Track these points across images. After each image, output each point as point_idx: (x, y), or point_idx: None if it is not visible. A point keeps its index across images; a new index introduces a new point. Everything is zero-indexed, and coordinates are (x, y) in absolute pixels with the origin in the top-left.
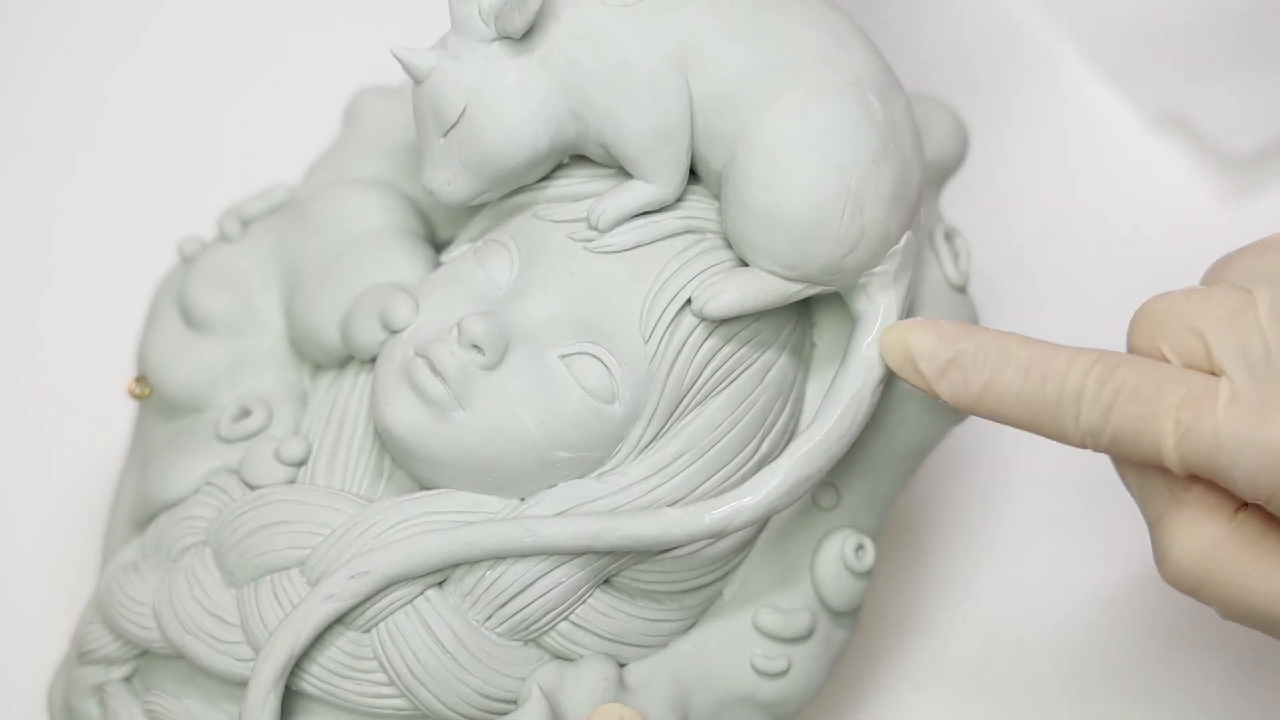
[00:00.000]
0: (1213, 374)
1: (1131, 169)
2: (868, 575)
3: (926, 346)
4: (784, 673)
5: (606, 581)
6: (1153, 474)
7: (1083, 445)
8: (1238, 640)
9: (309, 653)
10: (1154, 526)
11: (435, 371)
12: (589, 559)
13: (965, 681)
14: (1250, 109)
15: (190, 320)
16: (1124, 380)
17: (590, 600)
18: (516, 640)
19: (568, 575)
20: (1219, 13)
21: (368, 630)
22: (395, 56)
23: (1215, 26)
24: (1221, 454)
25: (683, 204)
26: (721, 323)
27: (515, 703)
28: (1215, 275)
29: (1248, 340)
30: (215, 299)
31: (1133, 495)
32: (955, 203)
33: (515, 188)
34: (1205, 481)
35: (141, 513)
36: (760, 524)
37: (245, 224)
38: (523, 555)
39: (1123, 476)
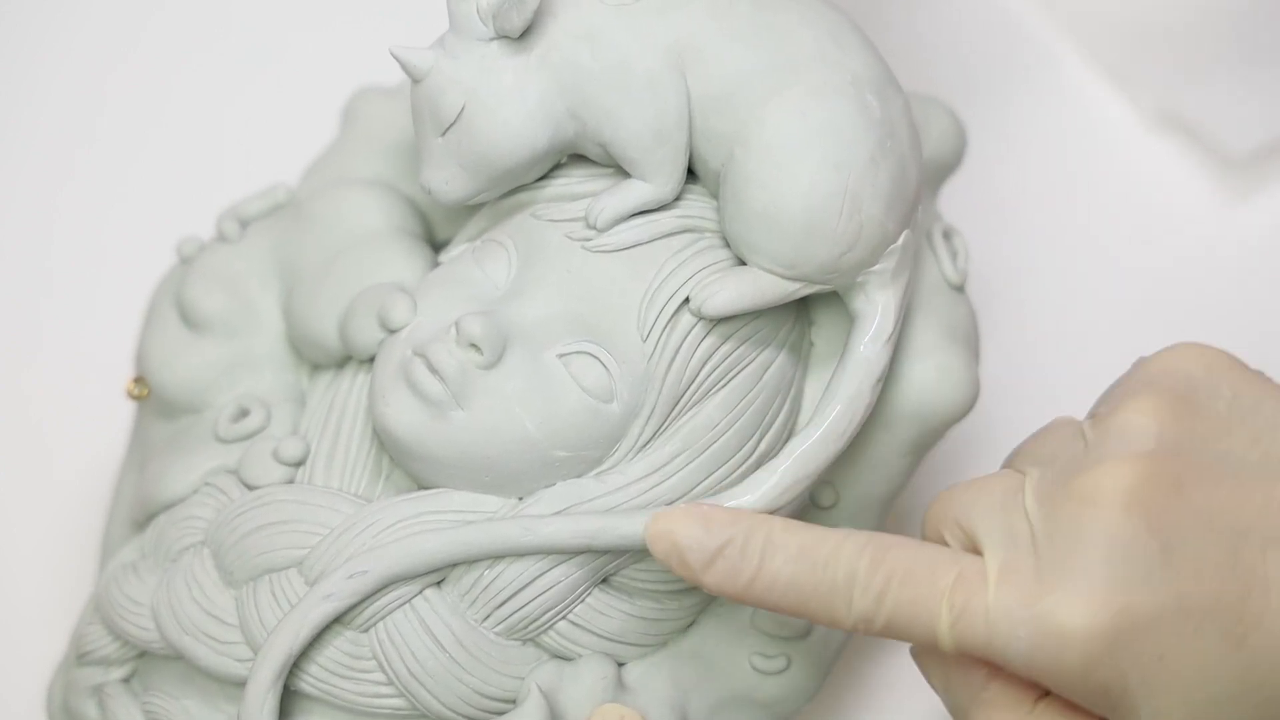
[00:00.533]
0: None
1: (1131, 169)
2: None
3: (693, 538)
4: (782, 671)
5: (605, 580)
6: (956, 676)
7: (855, 630)
8: None
9: (307, 653)
10: None
11: (433, 371)
12: (587, 558)
13: None
14: (1250, 109)
15: (189, 321)
16: (896, 564)
17: (589, 599)
18: (515, 639)
19: (566, 574)
20: (1219, 13)
21: (366, 630)
22: (393, 56)
23: (1215, 26)
24: (995, 635)
25: (681, 203)
26: (719, 321)
27: (514, 702)
28: (1008, 461)
29: (1012, 522)
30: (213, 299)
31: (937, 692)
32: (955, 202)
33: (513, 187)
34: (1004, 675)
35: (140, 513)
36: None
37: (244, 224)
38: (521, 554)
39: (925, 673)
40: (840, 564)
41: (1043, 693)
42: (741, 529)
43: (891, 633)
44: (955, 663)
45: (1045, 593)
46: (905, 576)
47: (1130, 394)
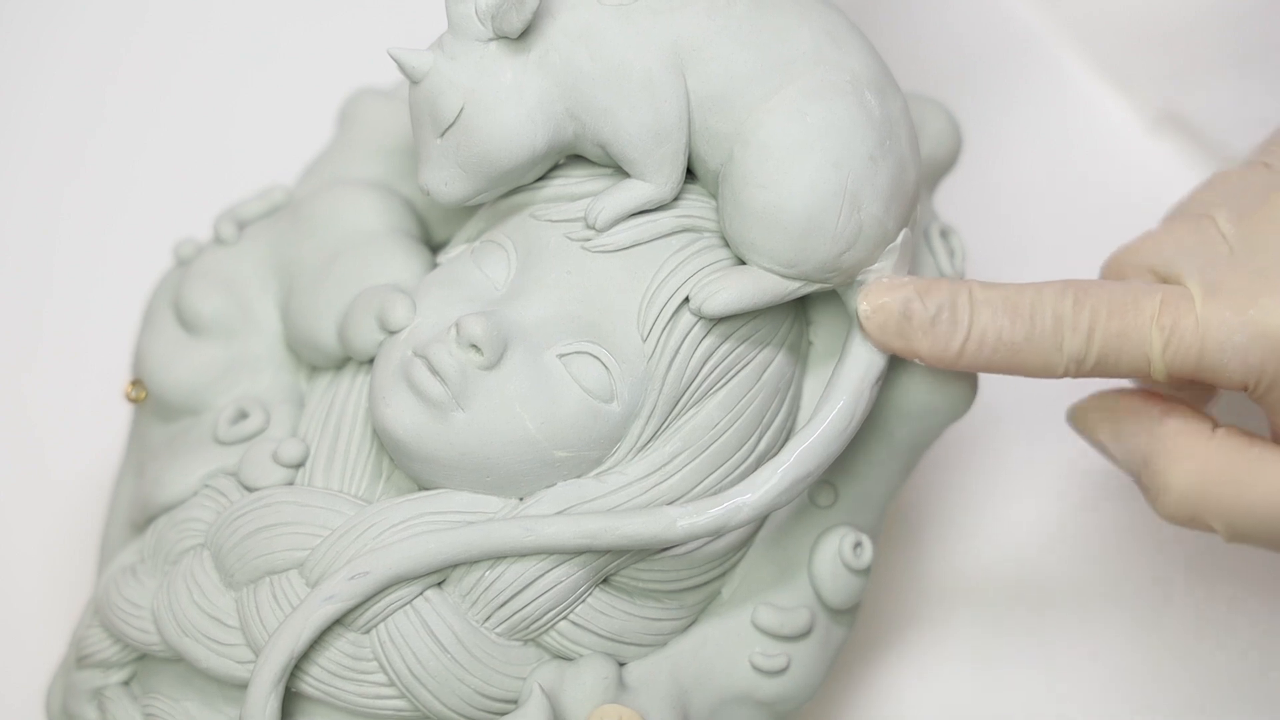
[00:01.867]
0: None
1: (1131, 169)
2: (866, 573)
3: (911, 306)
4: (783, 670)
5: (606, 580)
6: (1128, 422)
7: (1067, 373)
8: (1236, 637)
9: (309, 654)
10: (1142, 471)
11: (434, 372)
12: (588, 558)
13: (964, 679)
14: (1250, 109)
15: (186, 323)
16: (1100, 299)
17: (589, 599)
18: (516, 640)
19: (567, 574)
20: (1219, 13)
21: (367, 631)
22: (392, 57)
23: (1215, 26)
24: (1208, 346)
25: (680, 203)
26: (719, 321)
27: (515, 703)
28: (1177, 213)
29: (1210, 247)
30: (211, 301)
31: (1110, 455)
32: (954, 201)
33: (512, 188)
34: (1180, 408)
35: (139, 516)
36: (758, 522)
37: (241, 226)
38: (522, 555)
39: (1095, 440)
40: (1045, 308)
41: (1216, 422)
42: (947, 292)
43: (1103, 368)
44: (1126, 408)
45: (1257, 296)
46: (1111, 309)
47: None
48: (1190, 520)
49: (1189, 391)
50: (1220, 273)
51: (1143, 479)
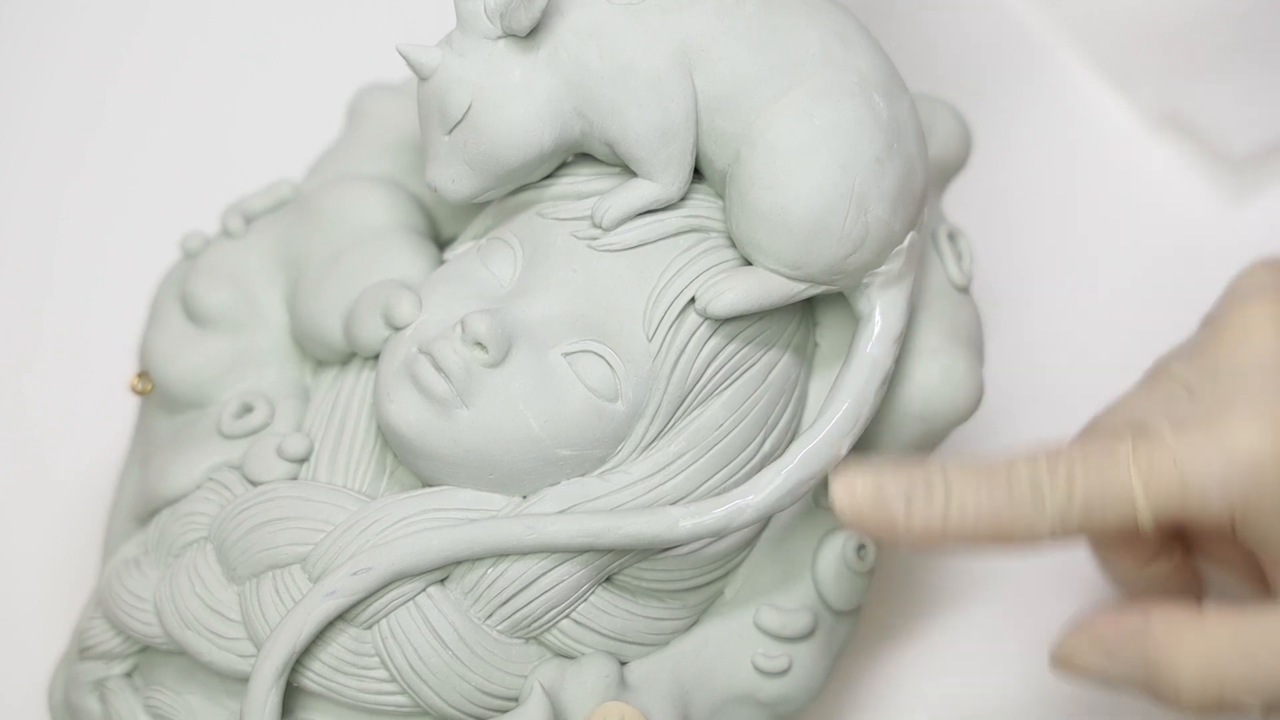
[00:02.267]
0: None
1: (1132, 169)
2: (869, 575)
3: (886, 493)
4: (785, 672)
5: (608, 579)
6: (1115, 639)
7: (1054, 533)
8: None
9: (310, 649)
10: (1149, 680)
11: (439, 369)
12: (591, 557)
13: (967, 682)
14: (1250, 109)
15: (193, 316)
16: (1074, 454)
17: (592, 598)
18: (518, 638)
19: (570, 573)
20: (1219, 13)
21: (369, 627)
22: (401, 53)
23: (1215, 26)
24: (1189, 480)
25: (687, 203)
26: (725, 321)
27: (516, 700)
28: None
29: (1173, 392)
30: (218, 295)
31: (1112, 682)
32: (957, 203)
33: (519, 185)
34: (1163, 604)
35: (143, 508)
36: (762, 523)
37: (248, 220)
38: (525, 553)
39: (1090, 672)
40: (1021, 475)
41: (1202, 606)
42: (920, 475)
43: (1089, 522)
44: (1109, 626)
45: (1225, 421)
46: (1087, 462)
47: (1232, 297)
48: (1219, 705)
49: (1176, 580)
50: (1186, 409)
51: (1154, 687)
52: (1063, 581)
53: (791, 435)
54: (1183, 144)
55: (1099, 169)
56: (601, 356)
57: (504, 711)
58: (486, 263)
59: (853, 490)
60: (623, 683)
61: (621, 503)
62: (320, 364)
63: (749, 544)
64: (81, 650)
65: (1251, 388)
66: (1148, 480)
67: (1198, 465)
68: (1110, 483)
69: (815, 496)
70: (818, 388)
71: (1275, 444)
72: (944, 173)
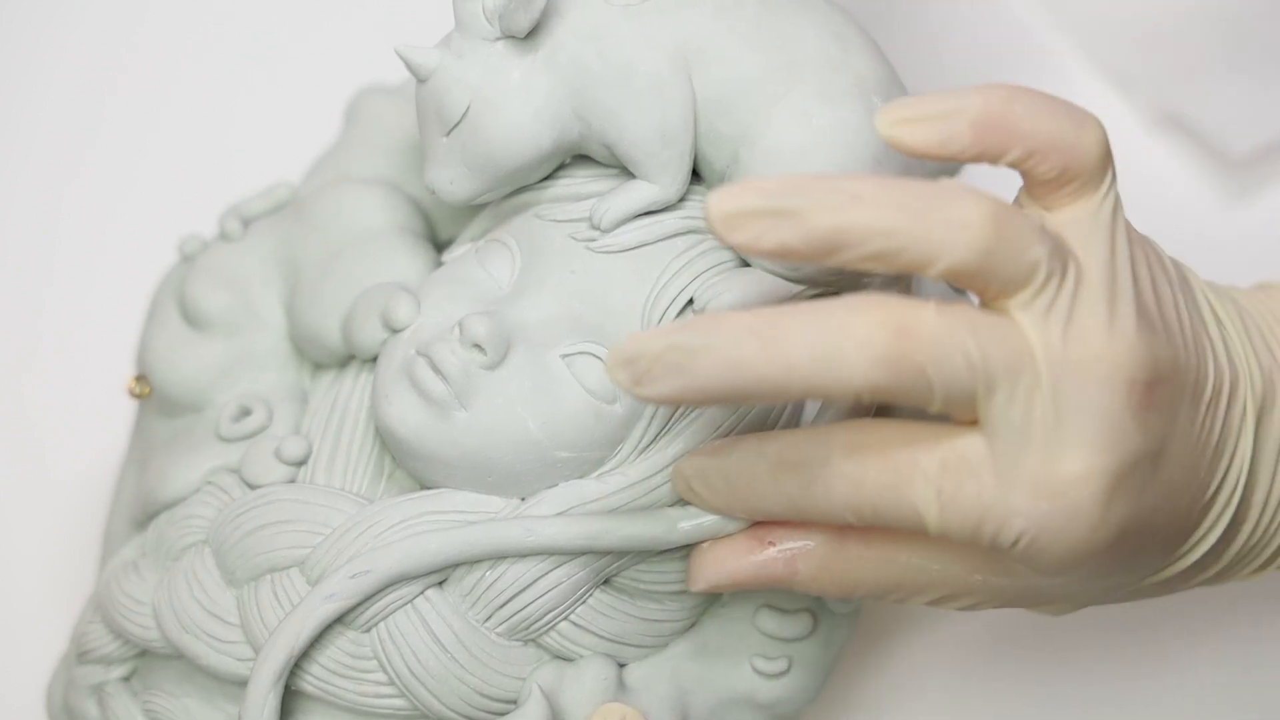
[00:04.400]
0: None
1: (1131, 169)
2: None
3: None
4: (784, 673)
5: (607, 581)
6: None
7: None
8: (1238, 627)
9: (309, 652)
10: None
11: (437, 371)
12: (589, 559)
13: (965, 682)
14: (1250, 109)
15: (190, 319)
16: (870, 461)
17: (590, 600)
18: (516, 640)
19: (568, 575)
20: (1219, 13)
21: (368, 630)
22: (399, 55)
23: (1215, 26)
24: (988, 516)
25: (685, 204)
26: None
27: (515, 703)
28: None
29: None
30: (216, 298)
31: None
32: None
33: (517, 187)
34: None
35: (141, 512)
36: None
37: (246, 223)
38: (523, 555)
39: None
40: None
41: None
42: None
43: (876, 515)
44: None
45: (1052, 453)
46: (881, 465)
47: None
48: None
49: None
50: (1013, 420)
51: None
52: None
53: None
54: (1183, 144)
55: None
56: (599, 358)
57: (503, 714)
58: (484, 264)
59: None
60: (621, 685)
61: (620, 505)
62: (318, 367)
63: None
64: (80, 654)
65: (1083, 401)
66: (945, 505)
67: (1005, 503)
68: (902, 498)
69: None
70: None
71: (1100, 467)
72: (941, 173)
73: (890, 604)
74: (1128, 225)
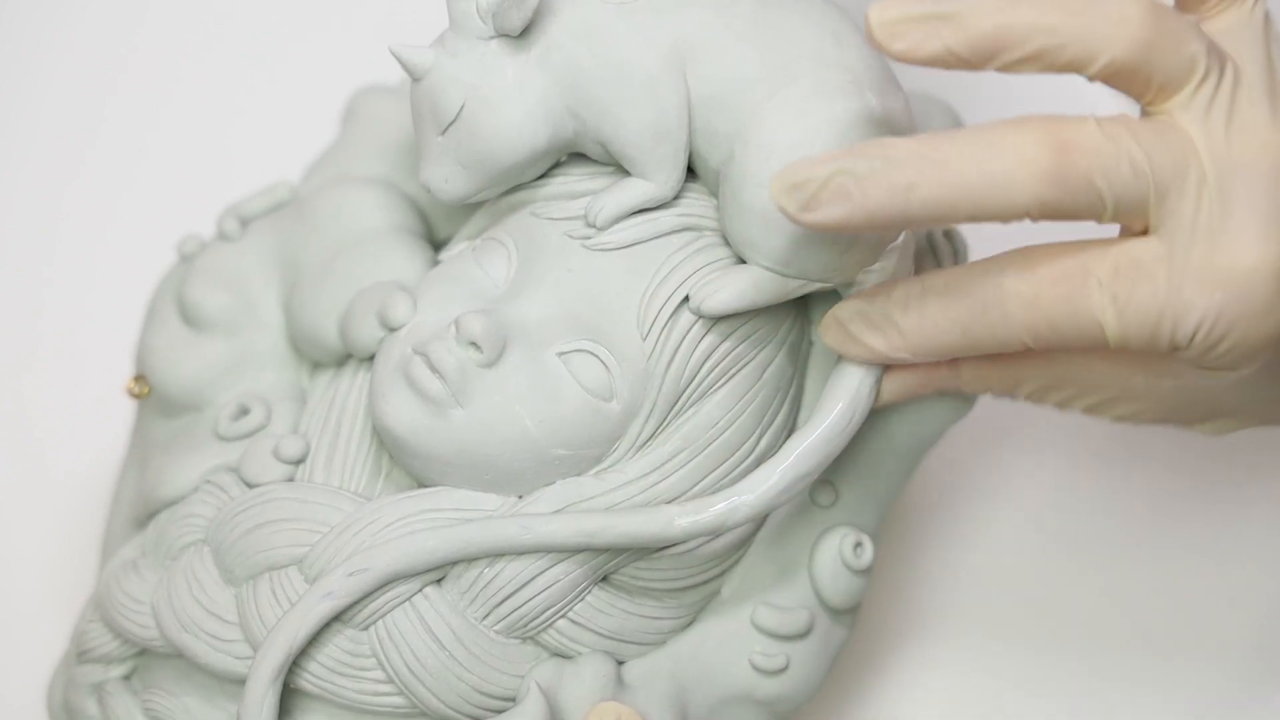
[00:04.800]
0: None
1: None
2: (866, 573)
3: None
4: (783, 670)
5: (605, 579)
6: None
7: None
8: (1240, 630)
9: (307, 650)
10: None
11: (433, 369)
12: (587, 556)
13: (964, 679)
14: None
15: (189, 319)
16: (1044, 276)
17: (588, 598)
18: (515, 638)
19: (566, 573)
20: None
21: (366, 628)
22: (393, 54)
23: None
24: (1166, 312)
25: (680, 201)
26: (719, 320)
27: (514, 700)
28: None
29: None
30: (214, 298)
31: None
32: None
33: (513, 185)
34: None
35: (141, 511)
36: (758, 521)
37: (244, 223)
38: (521, 553)
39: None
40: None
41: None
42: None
43: (1055, 336)
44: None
45: (1219, 242)
46: (1054, 286)
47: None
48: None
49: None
50: (1179, 214)
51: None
52: (1063, 579)
53: (787, 433)
54: None
55: None
56: (596, 356)
57: (501, 712)
58: (481, 263)
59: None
60: (620, 682)
61: (617, 502)
62: (316, 366)
63: (745, 542)
64: (80, 653)
65: (1251, 193)
66: (1123, 310)
67: (1180, 299)
68: (1079, 309)
69: (812, 494)
70: (813, 385)
71: (1272, 256)
72: None
73: (1052, 405)
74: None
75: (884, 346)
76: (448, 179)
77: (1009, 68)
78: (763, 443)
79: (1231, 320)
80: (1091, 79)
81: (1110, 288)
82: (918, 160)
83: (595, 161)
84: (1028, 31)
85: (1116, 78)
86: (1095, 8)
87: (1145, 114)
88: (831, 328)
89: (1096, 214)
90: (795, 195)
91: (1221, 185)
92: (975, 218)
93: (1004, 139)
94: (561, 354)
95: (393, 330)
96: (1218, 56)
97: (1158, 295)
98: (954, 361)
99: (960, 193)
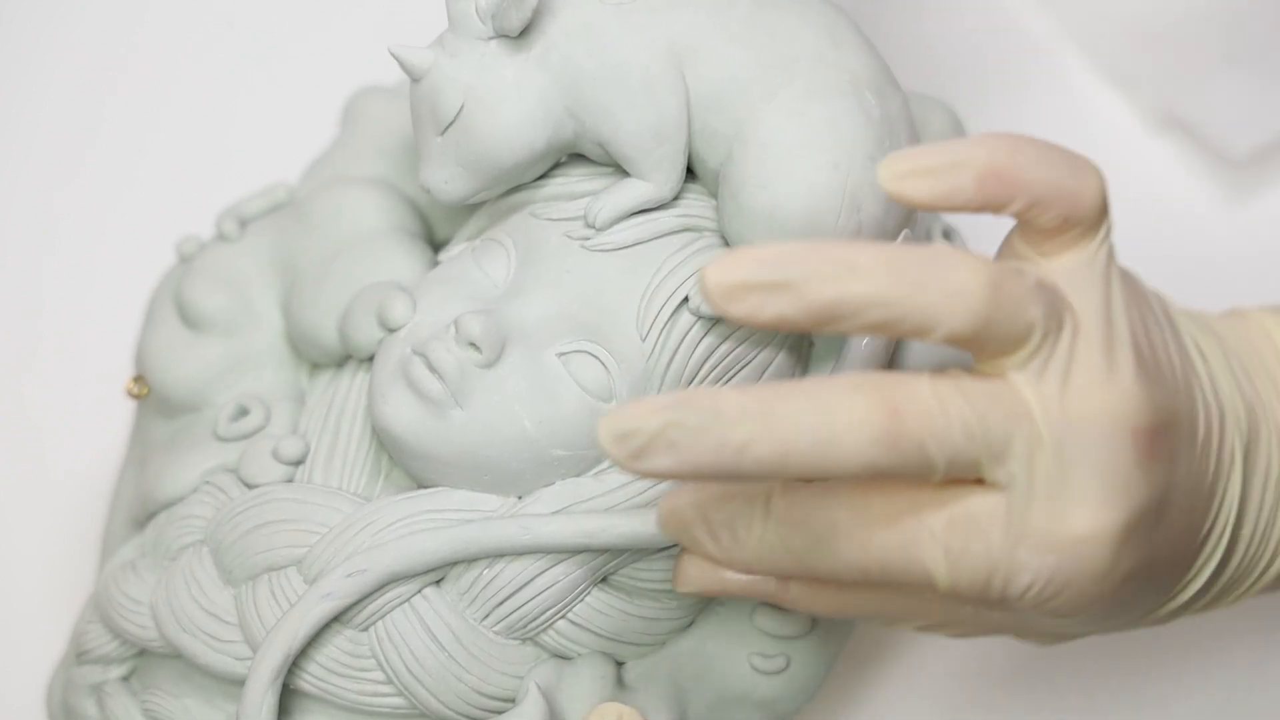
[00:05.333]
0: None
1: (1131, 169)
2: None
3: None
4: (782, 671)
5: (604, 580)
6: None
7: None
8: (1238, 637)
9: (306, 651)
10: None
11: (433, 370)
12: (586, 557)
13: (964, 681)
14: (1250, 109)
15: (188, 320)
16: (878, 515)
17: (588, 598)
18: (514, 638)
19: (565, 573)
20: (1219, 13)
21: (365, 629)
22: (393, 54)
23: (1215, 27)
24: (997, 569)
25: (680, 202)
26: (718, 320)
27: (513, 701)
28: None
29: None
30: (213, 298)
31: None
32: None
33: (512, 186)
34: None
35: (140, 512)
36: None
37: (243, 223)
38: (520, 553)
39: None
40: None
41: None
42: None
43: (884, 575)
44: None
45: (1057, 508)
46: (888, 526)
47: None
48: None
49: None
50: (1015, 473)
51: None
52: None
53: None
54: (1183, 144)
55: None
56: (595, 357)
57: (500, 713)
58: (480, 264)
59: (672, 509)
60: (620, 683)
61: (617, 503)
62: (316, 366)
63: None
64: (79, 654)
65: (1088, 456)
66: (955, 564)
67: (1013, 558)
68: (911, 559)
69: None
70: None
71: (1108, 524)
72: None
73: (879, 628)
74: (1119, 267)
75: (720, 557)
76: (447, 180)
77: (848, 332)
78: None
79: (1064, 582)
80: (931, 343)
81: (943, 540)
82: (747, 419)
83: (594, 162)
84: (864, 304)
85: (954, 344)
86: (934, 278)
87: (979, 372)
88: (670, 519)
89: (926, 476)
90: (623, 444)
91: (1057, 448)
92: (805, 477)
93: (836, 400)
94: (561, 355)
95: (392, 331)
96: (1055, 316)
97: (991, 553)
98: (783, 579)
99: (790, 453)
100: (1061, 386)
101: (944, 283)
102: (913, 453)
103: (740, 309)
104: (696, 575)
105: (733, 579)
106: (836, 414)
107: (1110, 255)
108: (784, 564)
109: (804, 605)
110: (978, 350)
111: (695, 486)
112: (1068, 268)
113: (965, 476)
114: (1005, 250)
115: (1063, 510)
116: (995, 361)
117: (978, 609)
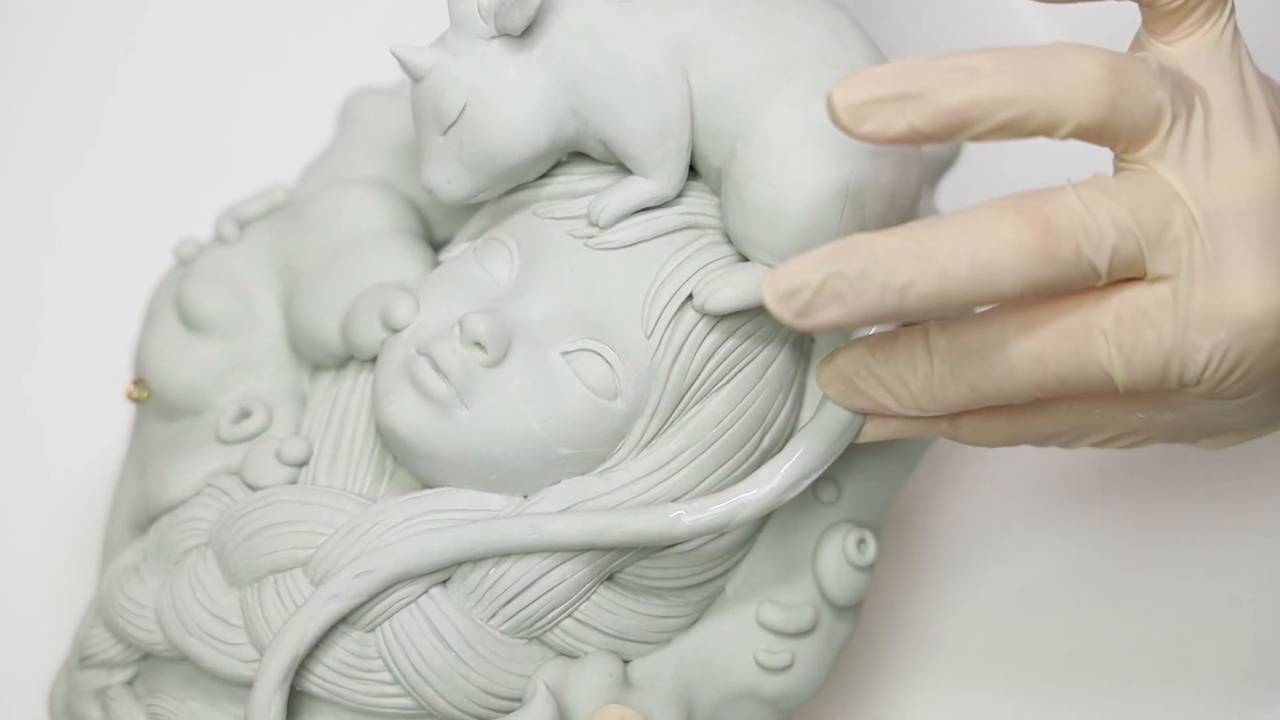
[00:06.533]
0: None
1: None
2: (870, 569)
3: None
4: (787, 668)
5: (610, 578)
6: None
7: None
8: (1241, 626)
9: (313, 653)
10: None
11: (438, 370)
12: (592, 556)
13: (967, 676)
14: None
15: (188, 322)
16: (1049, 328)
17: (594, 597)
18: (521, 638)
19: (571, 572)
20: None
21: (372, 630)
22: (394, 55)
23: None
24: (1171, 356)
25: (683, 200)
26: (722, 318)
27: (520, 700)
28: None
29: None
30: (213, 300)
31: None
32: (951, 197)
33: (515, 185)
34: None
35: (142, 515)
36: (762, 519)
37: (242, 225)
38: (526, 553)
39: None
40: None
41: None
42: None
43: (1063, 384)
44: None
45: (1220, 283)
46: (1059, 339)
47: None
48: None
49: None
50: (1174, 258)
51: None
52: (1062, 578)
53: (790, 431)
54: None
55: (1095, 165)
56: (600, 355)
57: (508, 712)
58: (483, 263)
59: (834, 368)
60: (626, 681)
61: (622, 501)
62: (317, 368)
63: (750, 540)
64: (82, 659)
65: (1243, 231)
66: (1129, 358)
67: (1185, 341)
68: (1086, 361)
69: (815, 491)
70: (815, 383)
71: (1274, 292)
72: (936, 167)
73: (1056, 447)
74: (1246, 49)
75: (894, 405)
76: (450, 180)
77: (977, 139)
78: (766, 440)
79: (1239, 356)
80: (1061, 139)
81: (1115, 338)
82: (905, 259)
83: (597, 161)
84: (993, 105)
85: (1085, 137)
86: (1056, 73)
87: (1120, 167)
88: (835, 381)
89: (1091, 282)
90: (790, 303)
91: (1211, 227)
92: (967, 308)
93: (986, 225)
94: (565, 353)
95: (395, 331)
96: (1184, 97)
97: (1163, 340)
98: (954, 415)
99: (952, 287)
100: (1205, 166)
101: (1066, 74)
102: (1071, 261)
103: (870, 127)
104: (871, 429)
105: (908, 422)
106: (989, 238)
107: (1236, 34)
108: (957, 397)
109: (977, 438)
110: (1111, 142)
111: (846, 347)
112: (1194, 51)
113: (1128, 275)
114: (1133, 48)
115: (1227, 286)
116: (1133, 156)
117: (1149, 413)
